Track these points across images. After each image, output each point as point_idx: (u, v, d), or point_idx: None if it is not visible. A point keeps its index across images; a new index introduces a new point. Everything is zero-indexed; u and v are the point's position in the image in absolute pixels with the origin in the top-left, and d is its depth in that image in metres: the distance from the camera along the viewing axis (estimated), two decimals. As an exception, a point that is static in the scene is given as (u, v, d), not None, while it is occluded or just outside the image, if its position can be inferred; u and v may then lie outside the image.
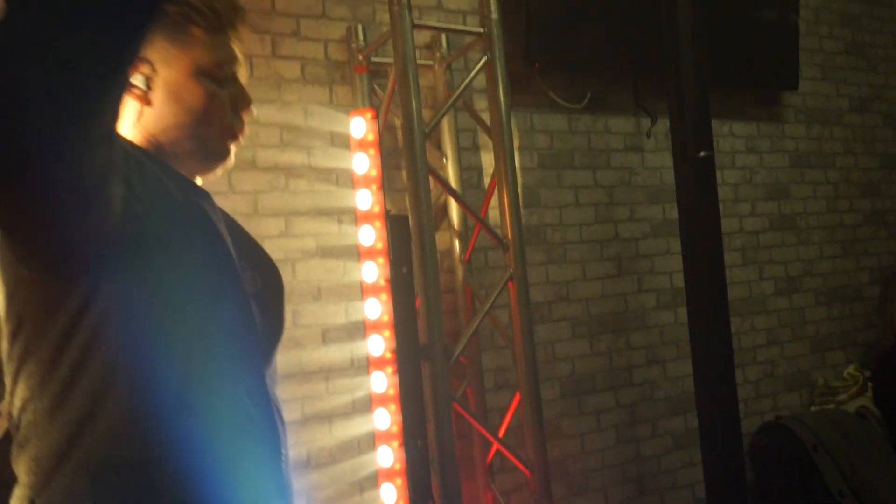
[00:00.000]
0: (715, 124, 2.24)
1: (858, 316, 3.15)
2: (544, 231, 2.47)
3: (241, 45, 1.02)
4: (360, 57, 2.11)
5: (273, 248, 1.99)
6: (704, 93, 2.17)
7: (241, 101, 1.01)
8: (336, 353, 2.05)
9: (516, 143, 2.38)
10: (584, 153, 2.58)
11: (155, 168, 0.92)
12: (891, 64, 3.45)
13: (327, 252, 2.07)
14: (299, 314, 2.02)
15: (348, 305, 2.08)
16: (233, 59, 0.99)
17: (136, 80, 0.94)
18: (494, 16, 2.05)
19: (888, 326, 2.69)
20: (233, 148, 1.03)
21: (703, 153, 2.13)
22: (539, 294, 2.41)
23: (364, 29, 2.15)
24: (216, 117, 0.99)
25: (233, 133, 1.02)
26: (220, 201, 1.93)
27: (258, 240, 1.95)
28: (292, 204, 2.05)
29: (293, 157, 2.06)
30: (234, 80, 1.00)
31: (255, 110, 1.06)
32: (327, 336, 2.05)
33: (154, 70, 0.95)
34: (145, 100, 0.95)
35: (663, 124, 2.68)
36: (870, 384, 2.82)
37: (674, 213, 2.70)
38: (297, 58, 2.10)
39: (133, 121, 0.96)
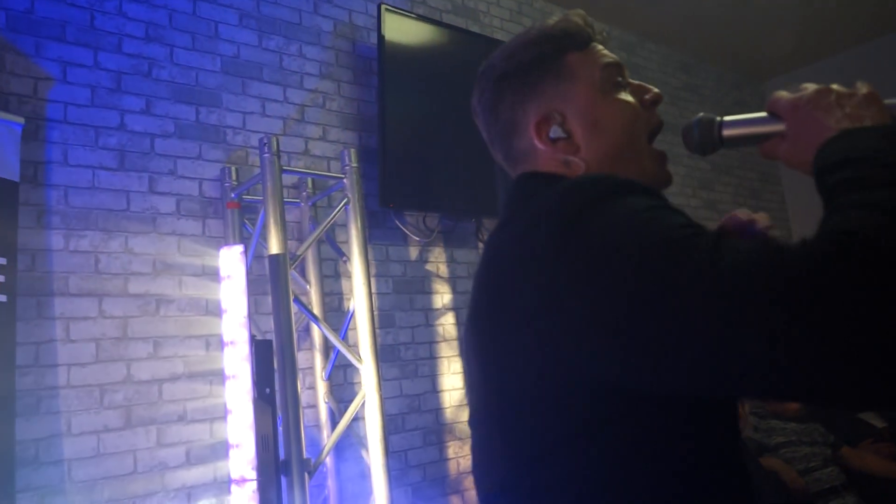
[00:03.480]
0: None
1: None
2: (398, 349, 2.54)
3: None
4: (233, 195, 2.16)
5: (141, 370, 1.95)
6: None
7: (643, 93, 0.85)
8: (200, 471, 1.98)
9: (374, 272, 2.48)
10: (434, 280, 2.71)
11: None
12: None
13: (194, 374, 2.03)
14: (165, 434, 1.95)
15: (213, 425, 2.03)
16: (615, 63, 0.85)
17: (555, 133, 0.81)
18: (354, 164, 2.18)
19: None
20: (663, 157, 0.85)
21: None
22: (393, 407, 2.45)
23: (237, 170, 2.22)
24: (641, 122, 0.83)
25: (656, 131, 0.85)
26: (88, 326, 1.90)
27: (126, 362, 1.92)
28: (162, 328, 2.01)
29: (165, 285, 2.04)
30: (626, 81, 0.85)
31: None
32: (191, 455, 1.98)
33: (563, 115, 0.82)
34: (573, 147, 0.81)
35: (500, 255, 2.88)
36: None
37: (510, 332, 2.87)
38: (173, 194, 2.12)
39: (577, 175, 0.80)
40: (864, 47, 4.27)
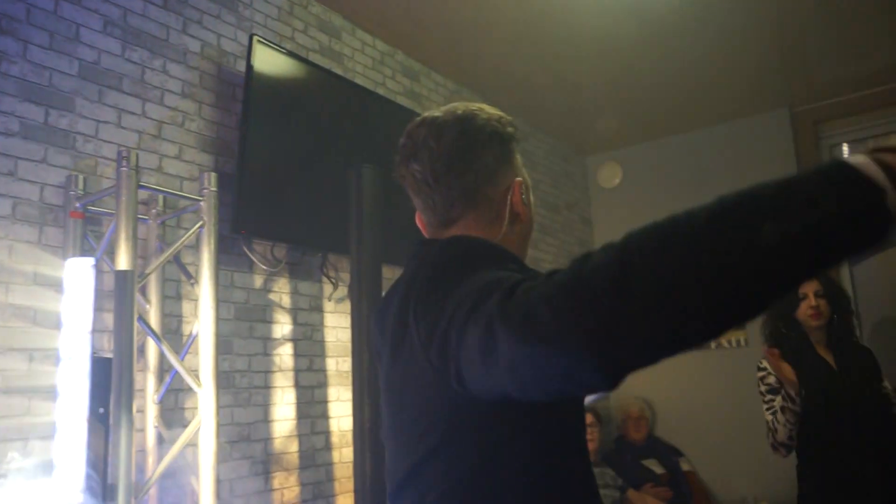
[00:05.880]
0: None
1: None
2: (233, 376, 2.53)
3: None
4: (78, 205, 2.08)
5: (-50, 383, 1.80)
6: (378, 268, 2.52)
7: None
8: (8, 495, 1.84)
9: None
10: (275, 310, 2.74)
11: None
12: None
13: (12, 389, 1.90)
14: (-30, 453, 1.80)
15: (27, 444, 1.90)
16: None
17: (525, 200, 0.96)
18: (213, 188, 2.19)
19: None
20: None
21: (373, 320, 2.44)
22: (223, 434, 2.43)
23: (85, 180, 2.14)
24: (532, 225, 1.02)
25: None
26: None
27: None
28: (-20, 338, 1.87)
29: (-10, 292, 1.91)
30: None
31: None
32: None
33: (525, 189, 0.97)
34: (523, 217, 0.97)
35: (342, 291, 2.98)
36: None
37: (346, 366, 2.96)
38: (10, 196, 2.00)
39: (510, 241, 0.95)
40: (676, 137, 4.96)
